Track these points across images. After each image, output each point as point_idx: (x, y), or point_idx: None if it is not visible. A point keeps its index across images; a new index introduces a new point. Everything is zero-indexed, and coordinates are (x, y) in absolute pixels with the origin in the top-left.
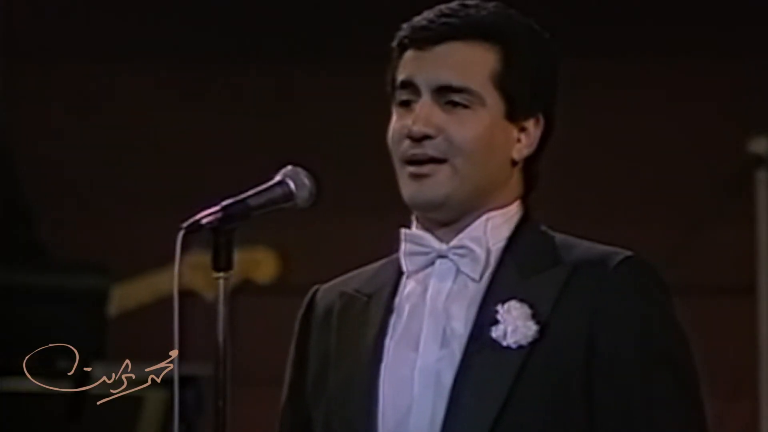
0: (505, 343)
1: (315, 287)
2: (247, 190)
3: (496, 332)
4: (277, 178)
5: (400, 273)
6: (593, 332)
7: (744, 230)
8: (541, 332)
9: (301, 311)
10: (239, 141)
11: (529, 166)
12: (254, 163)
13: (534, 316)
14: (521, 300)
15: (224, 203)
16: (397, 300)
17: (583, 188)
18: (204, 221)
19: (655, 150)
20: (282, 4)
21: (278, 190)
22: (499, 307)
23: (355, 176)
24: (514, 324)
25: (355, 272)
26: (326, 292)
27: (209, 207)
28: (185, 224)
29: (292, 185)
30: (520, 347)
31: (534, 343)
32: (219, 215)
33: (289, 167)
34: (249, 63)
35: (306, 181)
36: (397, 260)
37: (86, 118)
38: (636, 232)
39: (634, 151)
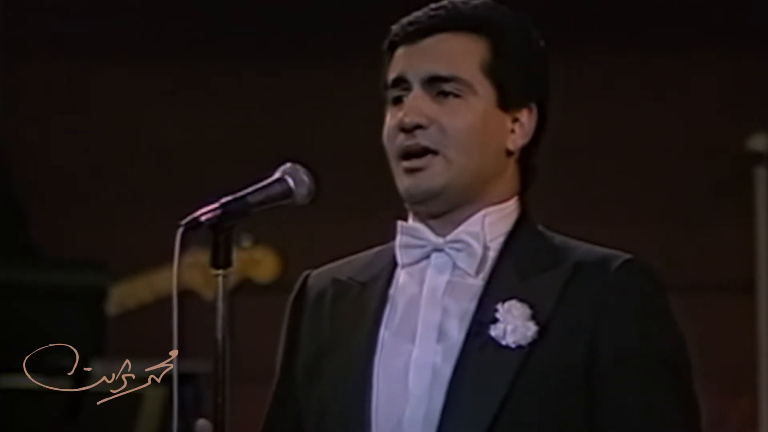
0: (504, 342)
1: (306, 272)
2: (246, 188)
3: (495, 331)
4: (276, 175)
5: (395, 263)
6: (594, 334)
7: (743, 227)
8: (541, 333)
9: (292, 296)
10: (238, 139)
11: (526, 158)
12: (253, 161)
13: (534, 317)
14: (521, 300)
15: (223, 200)
16: (391, 291)
17: (581, 186)
18: (203, 218)
19: (654, 147)
20: (280, 1)
21: (277, 187)
22: (499, 306)
23: (353, 175)
24: (514, 324)
25: (349, 259)
26: (318, 277)
27: (208, 204)
28: (184, 221)
29: (291, 182)
30: (519, 347)
31: (533, 344)
32: (218, 212)
33: (288, 164)
34: (248, 61)
35: (305, 178)
36: (392, 249)
37: (85, 117)
38: (635, 229)
39: (633, 148)
